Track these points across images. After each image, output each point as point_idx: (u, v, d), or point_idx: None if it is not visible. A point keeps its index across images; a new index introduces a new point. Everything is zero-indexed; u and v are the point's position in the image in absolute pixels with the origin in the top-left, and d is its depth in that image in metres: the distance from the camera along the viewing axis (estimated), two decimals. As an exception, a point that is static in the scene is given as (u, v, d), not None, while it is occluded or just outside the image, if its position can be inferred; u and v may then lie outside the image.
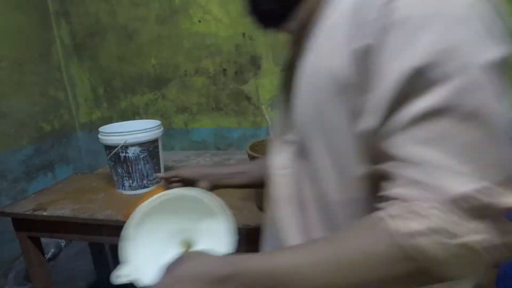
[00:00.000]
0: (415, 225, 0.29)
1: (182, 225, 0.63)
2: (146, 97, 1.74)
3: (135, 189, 1.20)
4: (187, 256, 0.40)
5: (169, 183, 0.72)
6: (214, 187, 0.72)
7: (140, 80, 1.73)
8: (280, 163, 0.50)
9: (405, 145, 0.31)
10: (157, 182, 1.24)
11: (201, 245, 0.63)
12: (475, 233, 0.28)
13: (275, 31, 0.47)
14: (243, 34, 1.52)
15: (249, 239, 0.96)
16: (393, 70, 0.31)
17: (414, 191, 0.31)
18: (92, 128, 1.83)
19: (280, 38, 1.49)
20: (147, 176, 1.21)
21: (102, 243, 1.52)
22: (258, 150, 1.00)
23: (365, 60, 0.33)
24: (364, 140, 0.36)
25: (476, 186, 0.28)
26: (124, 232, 0.58)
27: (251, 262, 0.36)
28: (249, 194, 1.11)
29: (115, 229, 1.06)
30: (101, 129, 1.18)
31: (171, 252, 0.50)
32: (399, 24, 0.31)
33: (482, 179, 0.29)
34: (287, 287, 0.34)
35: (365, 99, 0.34)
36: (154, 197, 0.59)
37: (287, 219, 0.49)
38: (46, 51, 1.72)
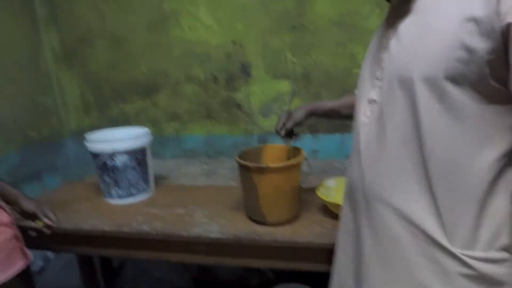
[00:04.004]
0: None
1: None
2: (136, 105, 1.73)
3: (123, 198, 1.18)
4: None
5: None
6: (308, 114, 0.96)
7: (131, 88, 1.71)
8: (361, 119, 0.61)
9: None
10: (145, 190, 1.22)
11: None
12: None
13: None
14: (233, 42, 1.53)
15: (237, 249, 0.95)
16: None
17: None
18: (82, 136, 1.80)
19: (270, 46, 1.50)
20: (135, 185, 1.19)
21: (90, 255, 1.48)
22: (247, 158, 1.00)
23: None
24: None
25: None
26: None
27: None
28: (239, 204, 1.10)
29: (102, 239, 1.04)
30: (88, 136, 1.16)
31: None
32: None
33: None
34: None
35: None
36: None
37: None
38: (34, 57, 1.70)
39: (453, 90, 0.46)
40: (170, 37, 1.59)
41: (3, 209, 0.89)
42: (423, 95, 0.48)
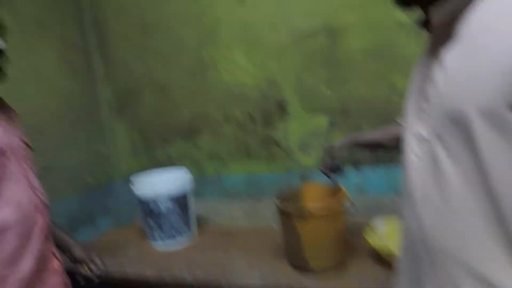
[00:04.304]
0: None
1: None
2: (180, 147, 1.81)
3: (166, 241, 1.20)
4: None
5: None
6: (350, 146, 0.93)
7: (175, 131, 1.81)
8: (411, 158, 0.56)
9: None
10: (186, 233, 1.23)
11: None
12: None
13: (417, 15, 0.54)
14: (268, 81, 1.56)
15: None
16: None
17: None
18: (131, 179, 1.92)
19: (305, 81, 1.50)
20: (177, 228, 1.20)
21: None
22: (287, 199, 0.97)
23: None
24: None
25: None
26: None
27: None
28: (280, 249, 1.05)
29: (146, 286, 1.05)
30: (134, 179, 1.21)
31: None
32: None
33: None
34: None
35: None
36: None
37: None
38: (92, 109, 1.89)
39: None
40: (209, 81, 1.67)
41: (55, 256, 0.94)
42: (482, 131, 0.42)
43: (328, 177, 0.96)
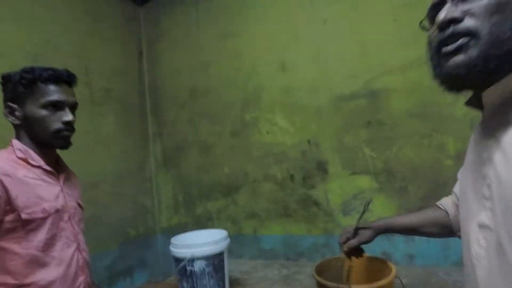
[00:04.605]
0: None
1: None
2: (219, 203, 1.83)
3: (199, 306, 1.15)
4: None
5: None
6: (379, 233, 0.85)
7: (215, 188, 1.85)
8: (475, 250, 0.50)
9: None
10: (221, 299, 1.17)
11: None
12: None
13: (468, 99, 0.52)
14: (308, 141, 1.58)
15: None
16: None
17: None
18: (170, 233, 1.95)
19: (345, 142, 1.49)
20: (211, 291, 1.16)
21: None
22: (326, 270, 0.90)
23: None
24: None
25: None
26: None
27: None
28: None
29: None
30: (173, 240, 1.23)
31: None
32: None
33: None
34: None
35: None
36: None
37: None
38: (142, 165, 2.03)
39: None
40: (250, 141, 1.73)
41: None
42: None
43: (346, 255, 0.89)
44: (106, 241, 1.72)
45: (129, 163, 1.93)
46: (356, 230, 0.86)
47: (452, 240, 1.27)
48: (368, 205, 0.88)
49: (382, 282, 0.79)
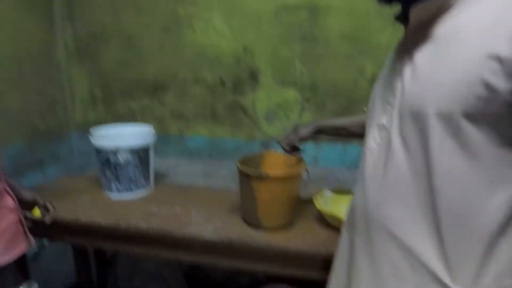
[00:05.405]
0: None
1: None
2: (143, 102, 1.75)
3: (122, 193, 1.19)
4: None
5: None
6: (316, 131, 0.96)
7: (139, 86, 1.73)
8: (370, 144, 0.60)
9: None
10: (144, 187, 1.23)
11: None
12: None
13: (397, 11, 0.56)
14: (244, 48, 1.55)
15: (230, 251, 0.95)
16: None
17: None
18: (86, 129, 1.82)
19: (280, 54, 1.52)
20: (135, 181, 1.20)
21: (85, 246, 1.49)
22: (248, 164, 1.00)
23: None
24: None
25: None
26: None
27: None
28: (236, 208, 1.10)
29: (98, 232, 1.04)
30: (94, 131, 1.17)
31: None
32: None
33: None
34: None
35: None
36: None
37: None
38: (47, 51, 1.73)
39: (469, 128, 0.44)
40: (182, 39, 1.61)
41: (9, 194, 0.90)
42: (437, 130, 0.46)
43: (287, 154, 1.01)
44: (7, 132, 1.54)
45: (29, 46, 1.62)
46: (296, 129, 0.96)
47: (349, 147, 1.52)
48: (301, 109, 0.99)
49: (293, 170, 0.94)
